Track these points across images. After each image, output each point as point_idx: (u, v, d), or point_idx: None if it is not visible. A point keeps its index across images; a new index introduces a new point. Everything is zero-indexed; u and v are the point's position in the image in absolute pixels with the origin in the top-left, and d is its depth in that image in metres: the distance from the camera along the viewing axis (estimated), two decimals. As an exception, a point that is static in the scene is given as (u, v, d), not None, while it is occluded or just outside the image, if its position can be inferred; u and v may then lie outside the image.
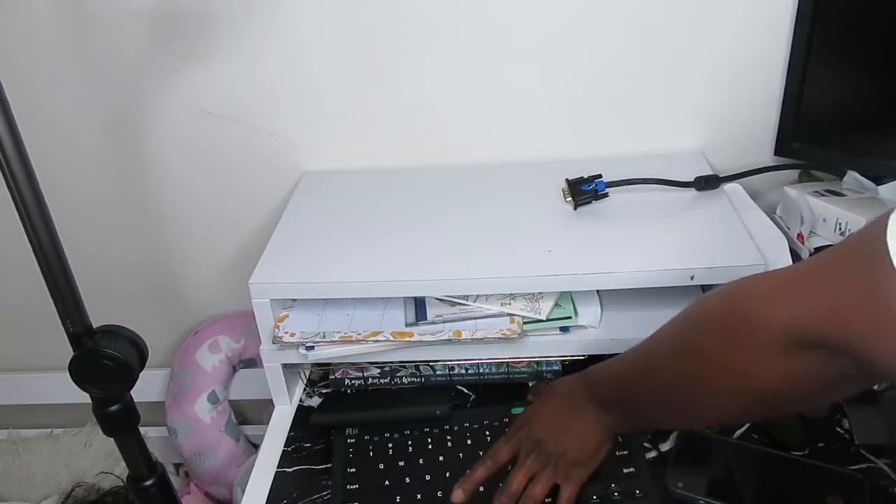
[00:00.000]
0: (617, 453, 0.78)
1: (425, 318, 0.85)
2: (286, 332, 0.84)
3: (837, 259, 0.47)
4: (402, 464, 0.81)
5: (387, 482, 0.80)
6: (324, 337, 0.84)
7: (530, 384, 0.91)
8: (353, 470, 0.81)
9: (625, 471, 0.77)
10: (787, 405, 0.60)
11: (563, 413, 0.74)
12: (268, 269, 0.86)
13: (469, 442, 0.84)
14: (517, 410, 0.85)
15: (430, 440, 0.84)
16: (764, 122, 1.01)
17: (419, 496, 0.78)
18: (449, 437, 0.84)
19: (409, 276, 0.84)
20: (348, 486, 0.80)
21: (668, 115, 1.03)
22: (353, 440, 0.85)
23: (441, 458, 0.82)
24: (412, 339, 0.83)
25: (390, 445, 0.84)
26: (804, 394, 0.53)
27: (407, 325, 0.85)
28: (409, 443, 0.84)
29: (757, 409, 0.60)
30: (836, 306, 0.44)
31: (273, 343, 0.86)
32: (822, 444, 0.80)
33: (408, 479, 0.80)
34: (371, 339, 0.83)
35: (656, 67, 0.99)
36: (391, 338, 0.83)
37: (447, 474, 0.79)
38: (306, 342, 0.84)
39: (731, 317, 0.55)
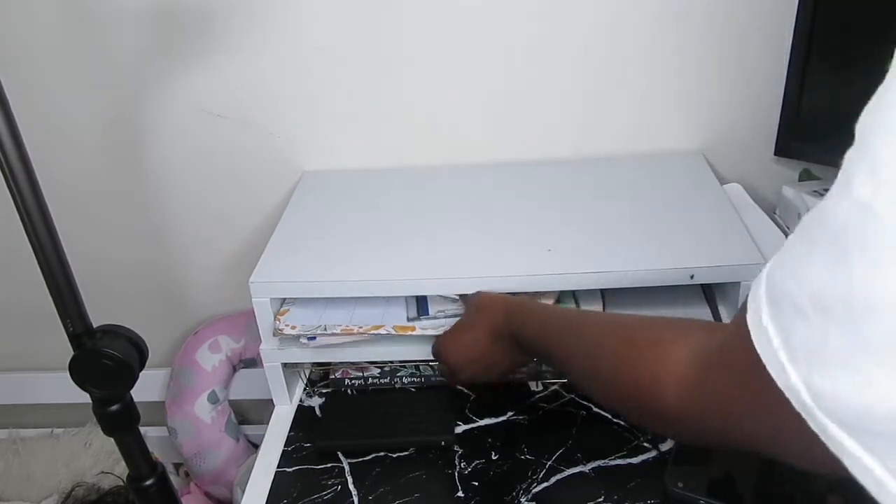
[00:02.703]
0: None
1: (427, 314, 0.85)
2: (287, 325, 0.84)
3: (721, 363, 0.43)
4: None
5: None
6: (325, 330, 0.83)
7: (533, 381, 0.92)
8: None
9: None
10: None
11: (480, 343, 0.74)
12: (268, 268, 0.86)
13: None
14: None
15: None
16: (764, 122, 1.01)
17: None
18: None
19: (409, 275, 0.84)
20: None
21: (669, 115, 1.03)
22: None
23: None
24: (414, 332, 0.83)
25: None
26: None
27: (409, 320, 0.85)
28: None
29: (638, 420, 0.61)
30: (732, 418, 0.42)
31: (274, 336, 0.85)
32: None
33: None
34: (372, 331, 0.83)
35: (657, 68, 0.99)
36: (393, 331, 0.83)
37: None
38: (307, 333, 0.83)
39: (643, 390, 0.50)
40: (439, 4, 0.97)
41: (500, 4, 0.96)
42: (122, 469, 1.24)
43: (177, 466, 1.39)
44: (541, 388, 0.92)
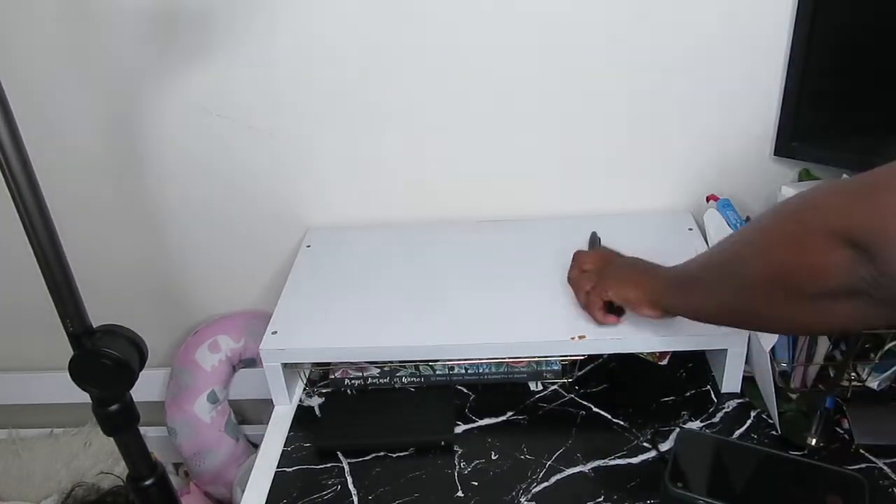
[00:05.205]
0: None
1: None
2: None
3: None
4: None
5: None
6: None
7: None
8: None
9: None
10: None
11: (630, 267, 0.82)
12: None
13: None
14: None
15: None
16: (764, 122, 1.01)
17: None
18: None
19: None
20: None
21: (667, 113, 1.03)
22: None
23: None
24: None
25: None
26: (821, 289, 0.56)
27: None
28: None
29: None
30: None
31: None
32: (822, 444, 0.80)
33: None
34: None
35: (656, 67, 0.99)
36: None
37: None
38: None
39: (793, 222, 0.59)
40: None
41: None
42: (122, 469, 1.24)
43: (177, 466, 1.39)
44: (541, 387, 0.92)
